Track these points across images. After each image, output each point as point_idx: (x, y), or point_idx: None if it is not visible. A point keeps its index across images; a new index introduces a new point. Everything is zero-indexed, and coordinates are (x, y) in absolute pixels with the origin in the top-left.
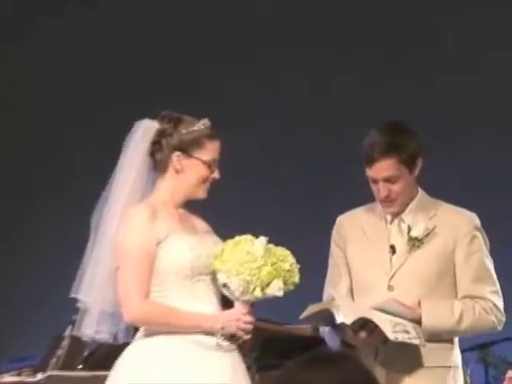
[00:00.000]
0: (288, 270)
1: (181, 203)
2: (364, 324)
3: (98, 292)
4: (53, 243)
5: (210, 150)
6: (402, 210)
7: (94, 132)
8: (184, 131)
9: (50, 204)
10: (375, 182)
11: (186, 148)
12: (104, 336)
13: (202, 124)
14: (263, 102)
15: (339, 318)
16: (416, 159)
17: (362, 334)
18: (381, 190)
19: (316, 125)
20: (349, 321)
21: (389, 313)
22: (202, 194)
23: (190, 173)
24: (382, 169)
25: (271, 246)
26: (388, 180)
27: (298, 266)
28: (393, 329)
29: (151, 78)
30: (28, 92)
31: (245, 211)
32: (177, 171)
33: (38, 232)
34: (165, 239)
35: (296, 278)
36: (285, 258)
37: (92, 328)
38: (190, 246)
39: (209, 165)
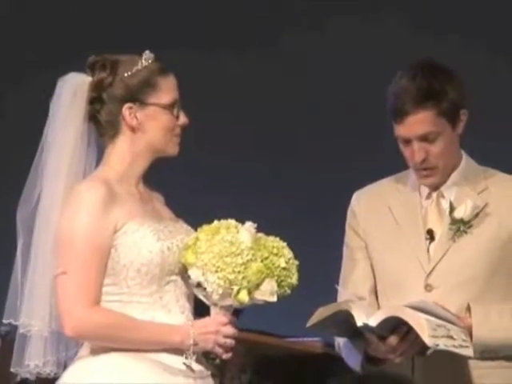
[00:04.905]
0: (284, 268)
1: (143, 172)
2: (394, 327)
3: (44, 310)
4: None
5: (167, 89)
6: (444, 182)
7: None
8: (127, 74)
9: None
10: (407, 142)
11: (137, 95)
12: (51, 369)
13: (146, 59)
14: None
15: (360, 320)
16: (459, 110)
17: (392, 340)
18: (416, 152)
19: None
20: (374, 322)
21: (428, 313)
22: (172, 148)
23: (151, 126)
24: (416, 123)
25: (261, 235)
26: (425, 138)
27: (297, 262)
28: (432, 332)
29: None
30: None
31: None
32: (132, 129)
33: None
34: (123, 226)
35: (294, 279)
36: (279, 252)
37: (39, 359)
38: (158, 235)
39: (171, 109)
